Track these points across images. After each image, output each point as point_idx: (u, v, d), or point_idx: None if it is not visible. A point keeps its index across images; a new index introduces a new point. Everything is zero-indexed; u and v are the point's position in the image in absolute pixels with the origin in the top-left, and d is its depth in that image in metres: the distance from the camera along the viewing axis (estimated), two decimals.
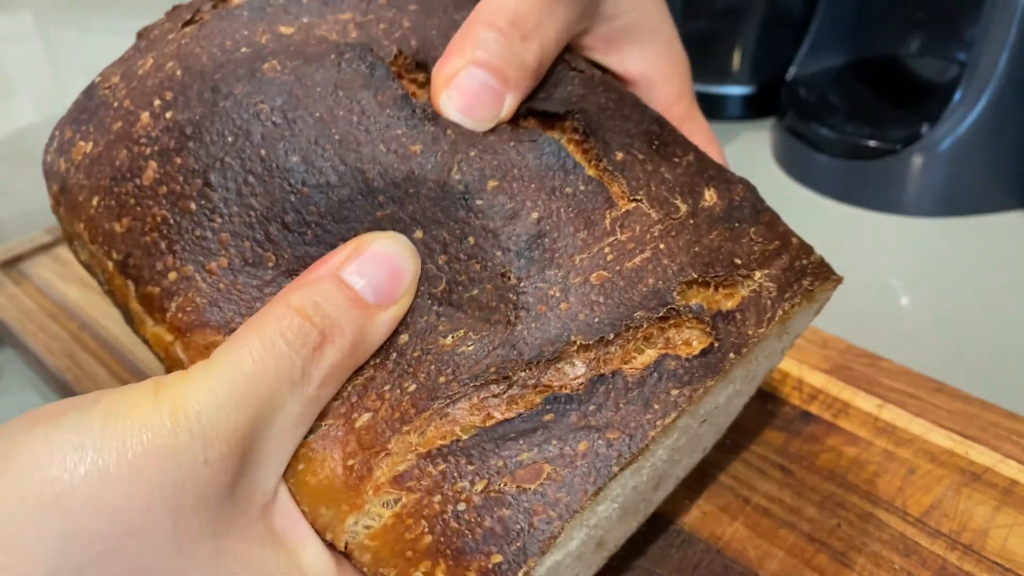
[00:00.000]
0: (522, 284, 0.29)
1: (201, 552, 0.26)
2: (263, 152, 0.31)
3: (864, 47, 0.77)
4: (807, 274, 0.33)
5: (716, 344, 0.29)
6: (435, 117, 0.32)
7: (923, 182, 0.64)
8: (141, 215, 0.31)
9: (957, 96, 0.62)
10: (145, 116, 0.32)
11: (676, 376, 0.28)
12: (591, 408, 0.28)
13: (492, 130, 0.32)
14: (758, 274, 0.32)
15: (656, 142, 0.34)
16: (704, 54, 0.80)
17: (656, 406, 0.28)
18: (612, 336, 0.29)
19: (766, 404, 0.44)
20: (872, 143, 0.65)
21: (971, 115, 0.61)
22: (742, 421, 0.43)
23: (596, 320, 0.29)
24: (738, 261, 0.32)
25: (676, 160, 0.34)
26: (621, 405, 0.28)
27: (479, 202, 0.30)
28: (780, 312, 0.31)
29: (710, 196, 0.33)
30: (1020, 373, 0.50)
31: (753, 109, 0.80)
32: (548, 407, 0.28)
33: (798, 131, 0.70)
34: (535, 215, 0.30)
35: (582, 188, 0.31)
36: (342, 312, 0.28)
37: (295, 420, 0.28)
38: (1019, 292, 0.57)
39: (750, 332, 0.30)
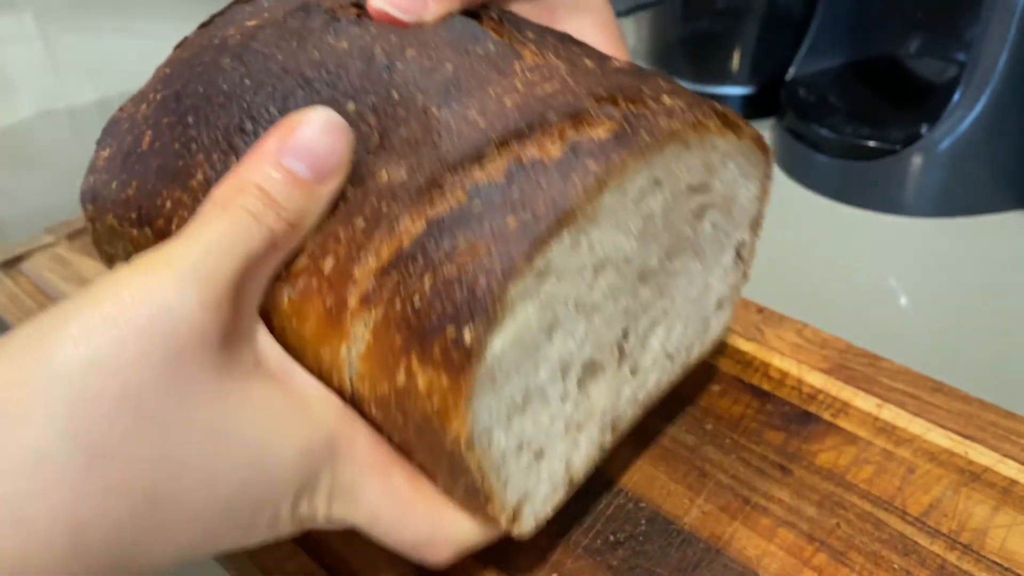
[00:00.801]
0: (443, 112, 0.33)
1: (208, 394, 0.27)
2: (225, 87, 0.37)
3: (863, 47, 0.77)
4: (727, 107, 0.36)
5: (629, 129, 0.32)
6: (360, 23, 0.36)
7: (922, 182, 0.64)
8: (142, 172, 0.37)
9: (956, 96, 0.62)
10: (144, 107, 0.39)
11: (592, 154, 0.31)
12: (515, 191, 0.30)
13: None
14: (667, 98, 0.34)
15: (569, 40, 0.37)
16: (704, 54, 0.81)
17: (575, 178, 0.30)
18: (527, 129, 0.31)
19: (765, 404, 0.45)
20: (871, 143, 0.65)
21: (970, 115, 0.62)
22: (742, 420, 0.43)
23: (512, 125, 0.32)
24: (646, 90, 0.34)
25: (586, 47, 0.37)
26: (542, 184, 0.30)
27: (400, 66, 0.34)
28: (691, 118, 0.33)
29: (618, 62, 0.36)
30: (1019, 373, 0.50)
31: (753, 109, 0.80)
32: (475, 198, 0.30)
33: (798, 131, 0.70)
34: (450, 66, 0.34)
35: (492, 49, 0.35)
36: (286, 195, 0.31)
37: (263, 278, 0.31)
38: (1018, 292, 0.57)
39: (663, 124, 0.32)
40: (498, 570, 0.37)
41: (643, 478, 0.41)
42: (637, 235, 0.34)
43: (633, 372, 0.38)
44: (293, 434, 0.29)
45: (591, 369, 0.36)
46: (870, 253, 0.62)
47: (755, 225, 0.42)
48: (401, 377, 0.30)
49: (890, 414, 0.43)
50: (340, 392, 0.32)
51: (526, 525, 0.34)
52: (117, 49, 1.06)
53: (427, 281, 0.29)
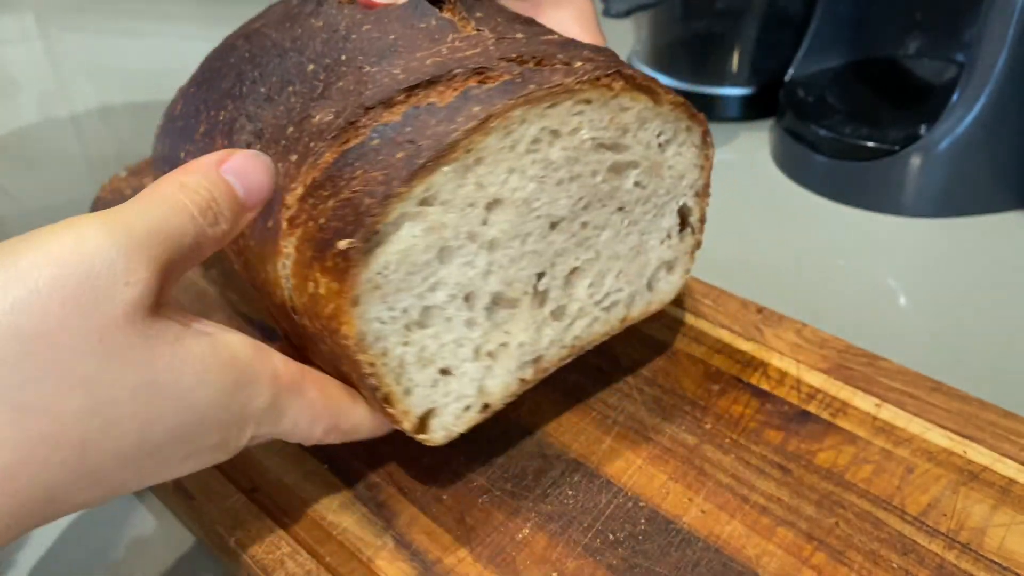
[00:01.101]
0: (374, 70, 0.37)
1: (136, 359, 0.29)
2: (232, 61, 0.44)
3: (863, 48, 0.77)
4: (638, 73, 0.39)
5: (519, 79, 0.36)
6: (340, 7, 0.42)
7: (921, 183, 0.65)
8: (173, 133, 0.45)
9: (955, 97, 0.62)
10: (185, 85, 0.48)
11: (479, 99, 0.35)
12: (408, 130, 0.35)
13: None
14: (579, 62, 0.38)
15: (520, 22, 0.41)
16: (703, 55, 0.81)
17: (460, 119, 0.34)
18: (433, 80, 0.36)
19: (764, 403, 0.45)
20: (870, 144, 0.65)
21: (969, 116, 0.62)
22: (741, 420, 0.44)
23: (423, 76, 0.36)
24: (560, 56, 0.38)
25: (536, 28, 0.41)
26: (432, 124, 0.35)
27: (354, 36, 0.40)
28: (589, 76, 0.37)
29: (554, 36, 0.40)
30: (1018, 372, 0.50)
31: (752, 110, 0.80)
32: (375, 135, 0.35)
33: (796, 132, 0.71)
34: (392, 36, 0.39)
35: (434, 23, 0.39)
36: (227, 204, 0.33)
37: (181, 272, 0.33)
38: (1017, 292, 0.57)
39: (556, 80, 0.36)
40: (499, 570, 0.37)
41: (642, 477, 0.41)
42: (536, 180, 0.38)
43: (557, 316, 0.41)
44: (220, 377, 0.32)
45: (503, 302, 0.39)
46: (869, 253, 0.62)
47: (701, 193, 0.45)
48: (311, 286, 0.35)
49: (889, 414, 0.44)
50: (283, 305, 0.37)
51: (435, 436, 0.38)
52: (119, 50, 1.06)
53: (331, 203, 0.34)
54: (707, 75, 0.80)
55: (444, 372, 0.38)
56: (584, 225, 0.41)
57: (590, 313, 0.43)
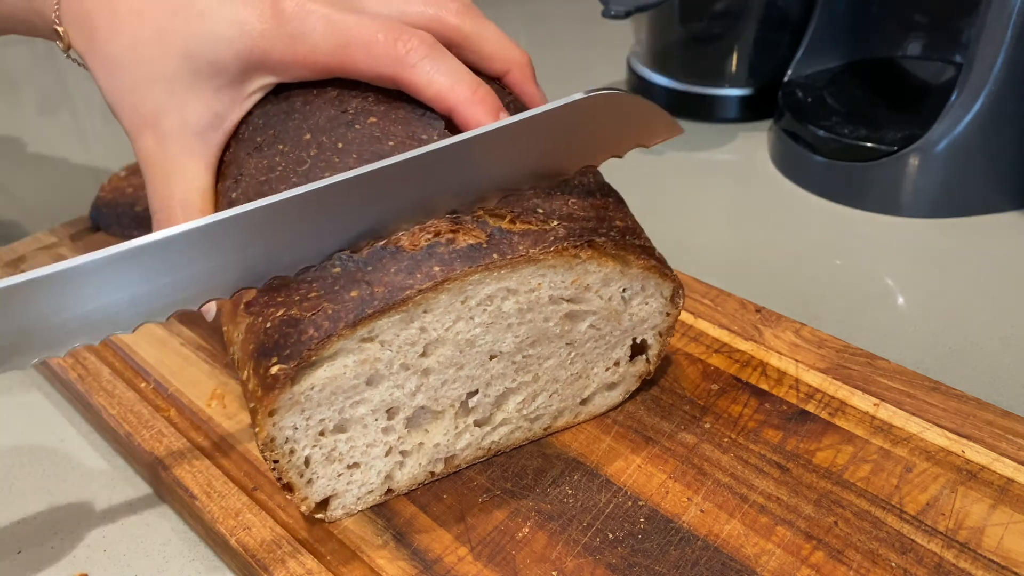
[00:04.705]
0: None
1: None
2: (270, 108, 0.44)
3: (861, 49, 0.77)
4: (611, 239, 0.39)
5: (485, 245, 0.36)
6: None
7: (919, 183, 0.65)
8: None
9: (953, 97, 0.62)
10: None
11: (442, 258, 0.36)
12: (369, 269, 0.36)
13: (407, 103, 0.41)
14: (555, 222, 0.38)
15: None
16: (701, 56, 0.81)
17: (419, 275, 0.35)
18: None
19: (763, 403, 0.45)
20: (868, 144, 0.66)
21: (967, 116, 0.62)
22: (740, 419, 0.44)
23: None
24: (540, 211, 0.38)
25: None
26: (392, 270, 0.35)
27: (357, 127, 0.40)
28: (558, 247, 0.37)
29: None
30: (1015, 372, 0.50)
31: (750, 111, 0.80)
32: (338, 263, 0.36)
33: (795, 133, 0.71)
34: (391, 143, 0.39)
35: (436, 137, 0.39)
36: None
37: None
38: (1014, 292, 0.58)
39: (521, 249, 0.36)
40: (499, 569, 0.37)
41: (642, 476, 0.41)
42: (483, 326, 0.38)
43: (480, 424, 0.42)
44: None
45: (426, 414, 0.40)
46: (867, 254, 0.62)
47: (664, 333, 0.45)
48: (246, 374, 0.37)
49: (887, 413, 0.44)
50: (232, 360, 0.39)
51: (333, 514, 0.40)
52: None
53: (280, 312, 0.35)
54: (705, 76, 0.81)
55: (352, 467, 0.39)
56: (527, 356, 0.41)
57: (515, 423, 0.43)
